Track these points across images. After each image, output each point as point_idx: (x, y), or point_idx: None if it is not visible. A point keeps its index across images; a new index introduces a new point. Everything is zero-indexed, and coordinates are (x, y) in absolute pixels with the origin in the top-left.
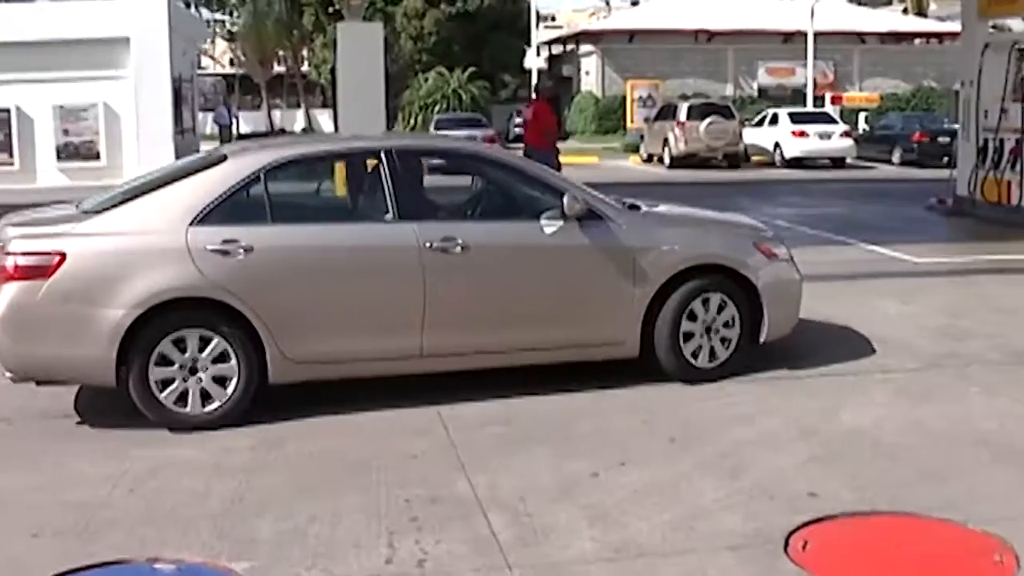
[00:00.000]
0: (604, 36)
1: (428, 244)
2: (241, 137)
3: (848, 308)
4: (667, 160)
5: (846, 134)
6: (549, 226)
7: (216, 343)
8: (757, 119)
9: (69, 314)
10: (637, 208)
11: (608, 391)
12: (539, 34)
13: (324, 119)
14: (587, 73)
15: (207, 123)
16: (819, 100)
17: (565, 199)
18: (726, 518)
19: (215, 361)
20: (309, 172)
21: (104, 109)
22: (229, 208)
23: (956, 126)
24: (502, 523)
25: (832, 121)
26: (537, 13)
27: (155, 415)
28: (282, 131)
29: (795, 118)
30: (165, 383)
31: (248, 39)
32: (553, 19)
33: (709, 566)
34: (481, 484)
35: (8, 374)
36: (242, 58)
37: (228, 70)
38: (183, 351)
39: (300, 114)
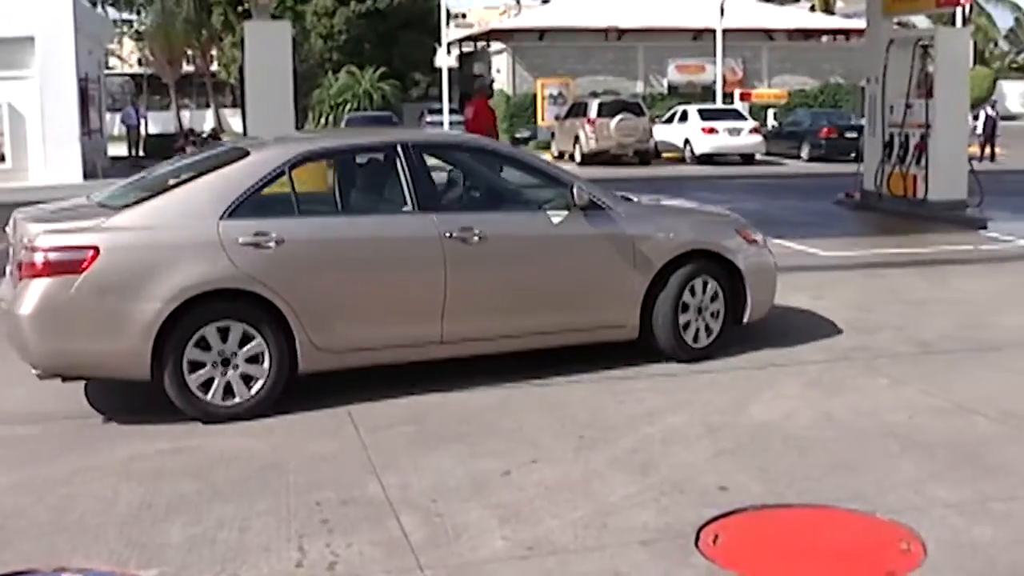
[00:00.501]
0: (515, 34)
1: (448, 234)
2: (150, 138)
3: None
4: (578, 157)
5: (755, 130)
6: (556, 216)
7: (248, 334)
8: (667, 116)
9: (104, 309)
10: (630, 199)
11: (519, 388)
12: (450, 32)
13: (235, 120)
14: (498, 71)
15: (115, 124)
16: (728, 97)
17: (574, 190)
18: (637, 514)
19: (247, 352)
20: (329, 165)
21: (8, 110)
22: (257, 201)
23: (863, 122)
24: (413, 524)
25: (741, 118)
26: (448, 11)
27: (190, 408)
28: (213, 134)
29: (705, 115)
30: (199, 375)
31: (156, 38)
32: (464, 17)
33: (621, 562)
34: (392, 485)
35: (35, 371)
36: (150, 58)
37: (136, 70)
38: (216, 343)
39: (210, 114)
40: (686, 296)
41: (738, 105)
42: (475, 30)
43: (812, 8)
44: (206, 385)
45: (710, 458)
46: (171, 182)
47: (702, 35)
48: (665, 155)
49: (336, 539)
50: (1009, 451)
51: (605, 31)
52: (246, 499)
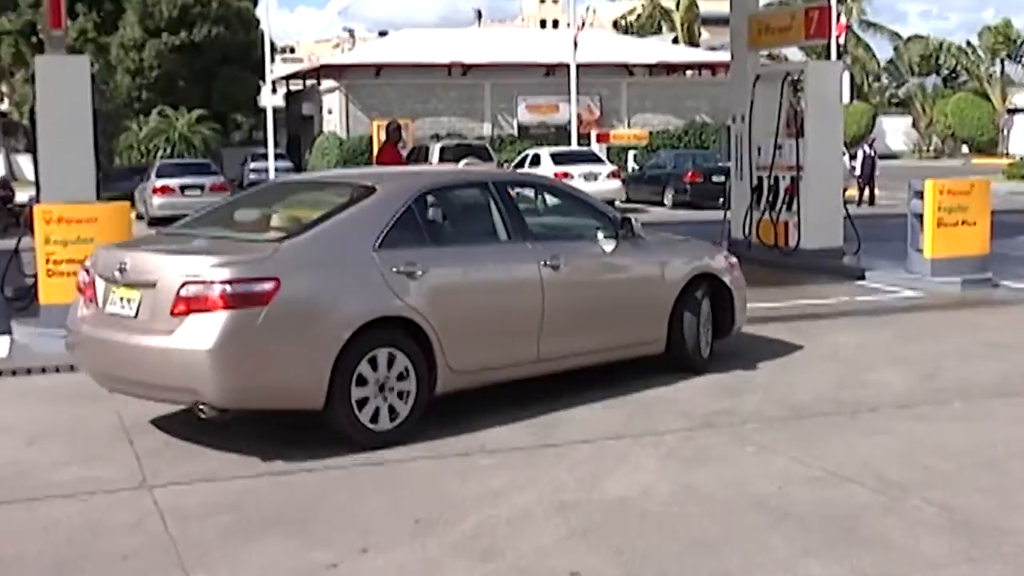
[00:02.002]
0: (348, 70)
1: (544, 262)
2: None
3: (614, 369)
4: None
5: (614, 174)
6: (608, 244)
7: (399, 359)
8: (517, 160)
9: (287, 340)
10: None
11: (347, 468)
12: (276, 68)
13: (29, 164)
14: (329, 112)
15: None
16: (585, 139)
17: (631, 222)
18: None
19: (398, 377)
20: (444, 199)
21: None
22: (397, 233)
23: (730, 164)
24: None
25: (598, 161)
26: (273, 44)
27: (356, 435)
28: (2, 183)
29: (558, 159)
30: (363, 402)
31: None
32: (292, 51)
33: None
34: None
35: (205, 410)
36: None
37: None
38: (378, 369)
39: (0, 158)
40: (699, 312)
41: (595, 147)
42: (304, 65)
43: (675, 40)
44: (374, 412)
45: (561, 540)
46: (319, 213)
47: (555, 71)
48: None
49: None
50: (888, 523)
51: (448, 67)
52: None
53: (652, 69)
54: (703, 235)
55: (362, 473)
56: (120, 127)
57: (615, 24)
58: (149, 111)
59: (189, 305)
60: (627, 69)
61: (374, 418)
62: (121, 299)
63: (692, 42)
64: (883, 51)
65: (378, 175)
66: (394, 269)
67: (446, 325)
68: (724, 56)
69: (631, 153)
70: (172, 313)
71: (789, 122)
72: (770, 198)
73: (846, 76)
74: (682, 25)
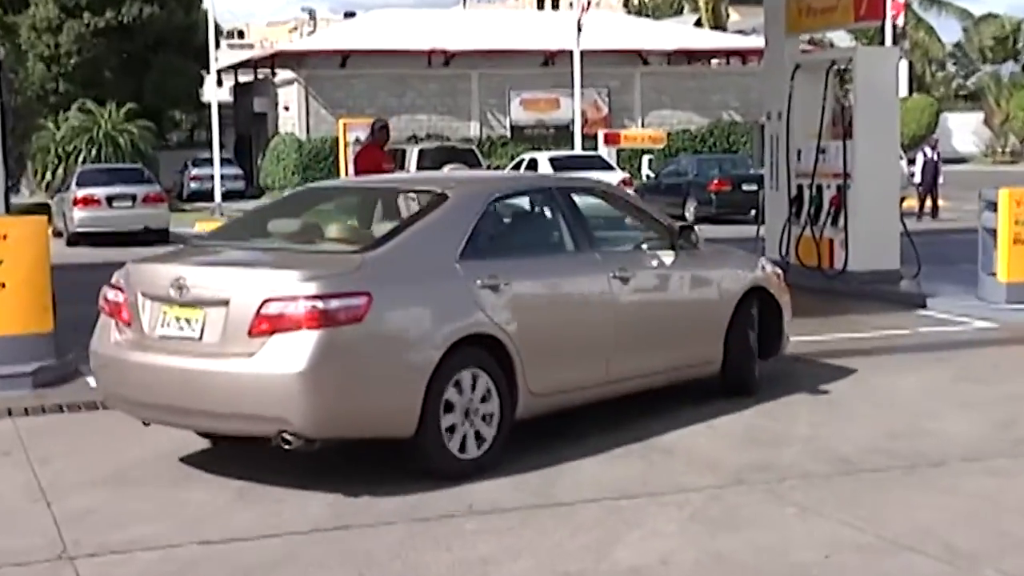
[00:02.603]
0: (308, 58)
1: (613, 273)
2: None
3: (625, 407)
4: None
5: (625, 183)
6: (667, 255)
7: (481, 381)
8: (511, 167)
9: (380, 360)
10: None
11: (303, 533)
12: (221, 55)
13: None
14: (286, 108)
15: None
16: (590, 140)
17: (692, 232)
18: None
19: (481, 401)
20: (514, 206)
21: None
22: (476, 242)
23: (763, 170)
24: None
25: (607, 167)
26: (218, 27)
27: (444, 464)
28: None
29: (559, 164)
30: (450, 427)
31: None
32: (241, 35)
33: None
34: None
35: (292, 440)
36: None
37: None
38: (460, 393)
39: None
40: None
41: (603, 151)
42: (255, 52)
43: (698, 23)
44: (456, 438)
45: None
46: (394, 224)
47: (555, 59)
48: None
49: None
50: None
51: (428, 54)
52: None
53: (671, 57)
54: None
55: (326, 541)
56: (32, 125)
57: (626, 4)
58: (68, 106)
59: (273, 324)
60: (641, 57)
61: (462, 446)
62: (178, 320)
63: (718, 25)
64: (949, 34)
65: (440, 180)
66: (478, 282)
67: (526, 342)
68: (757, 42)
69: (645, 158)
70: (251, 334)
71: (835, 120)
72: (812, 211)
73: (904, 64)
74: (706, 5)
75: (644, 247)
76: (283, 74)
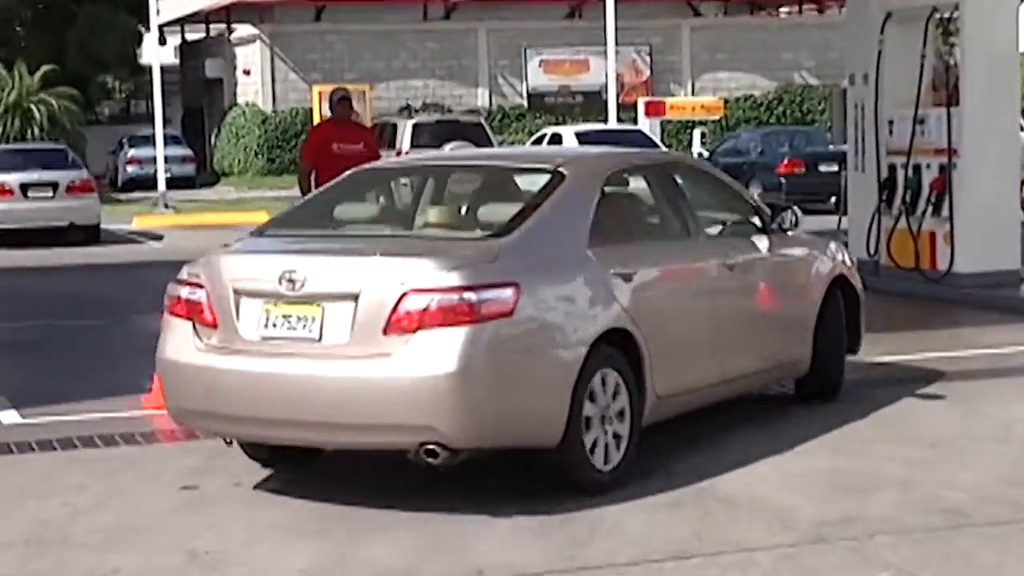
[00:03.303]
0: (273, 11)
1: (722, 261)
2: None
3: (670, 436)
4: None
5: None
6: (761, 240)
7: (610, 380)
8: (529, 144)
9: (528, 359)
10: None
11: None
12: (164, 6)
13: None
14: (246, 73)
15: None
16: (627, 110)
17: (792, 212)
18: None
19: (616, 404)
20: (625, 185)
21: None
22: (600, 227)
23: (846, 147)
24: None
25: (648, 143)
26: None
27: (584, 477)
28: None
29: (584, 140)
30: (589, 435)
31: None
32: None
33: None
34: None
35: (439, 453)
36: None
37: None
38: (593, 396)
39: None
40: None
41: (643, 124)
42: (207, 3)
43: None
44: (599, 447)
45: None
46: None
47: (582, 9)
48: None
49: None
50: None
51: (424, 4)
52: None
53: (728, 5)
54: None
55: None
56: None
57: None
58: None
59: (415, 320)
60: (690, 6)
61: (601, 455)
62: (287, 318)
63: None
64: None
65: (544, 156)
66: (612, 271)
67: (654, 339)
68: None
69: (697, 132)
70: (386, 332)
71: (936, 83)
72: (907, 198)
73: None
74: None
75: (740, 231)
76: (242, 30)
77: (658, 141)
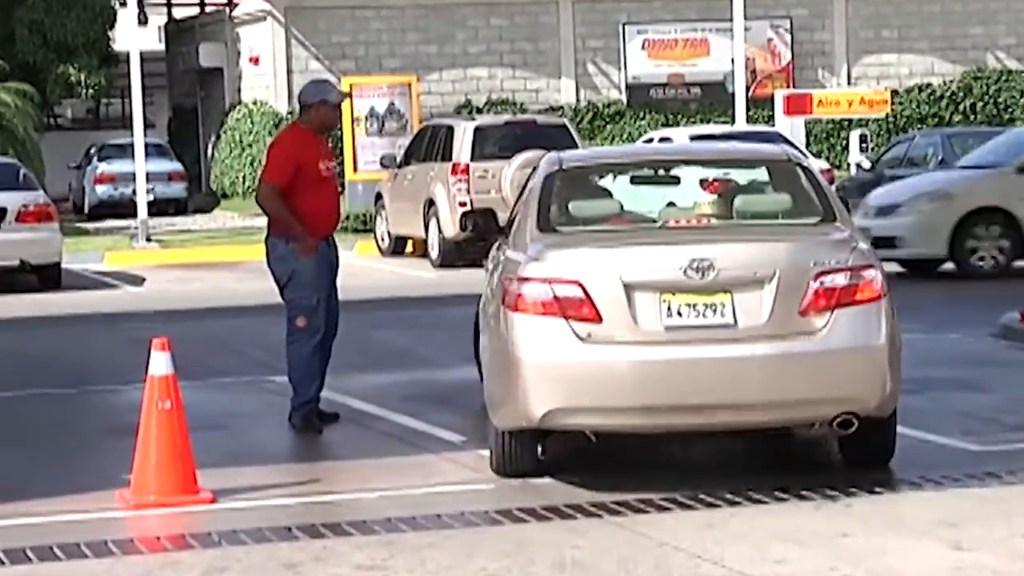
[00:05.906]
0: None
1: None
2: None
3: (822, 555)
4: (433, 252)
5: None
6: None
7: None
8: None
9: (899, 332)
10: None
11: None
12: None
13: None
14: (254, 61)
15: None
16: (761, 106)
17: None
18: None
19: None
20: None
21: None
22: None
23: None
24: None
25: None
26: None
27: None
28: None
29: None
30: None
31: None
32: None
33: None
34: None
35: (857, 419)
36: None
37: None
38: None
39: None
40: None
41: (782, 124)
42: None
43: None
44: None
45: None
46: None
47: None
48: None
49: None
50: None
51: None
52: None
53: None
54: (999, 297)
55: None
56: None
57: None
58: None
59: (832, 299)
60: None
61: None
62: (692, 306)
63: None
64: None
65: (765, 152)
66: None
67: None
68: None
69: (855, 135)
70: (803, 312)
71: None
72: None
73: None
74: None
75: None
76: (248, 4)
77: (800, 145)
